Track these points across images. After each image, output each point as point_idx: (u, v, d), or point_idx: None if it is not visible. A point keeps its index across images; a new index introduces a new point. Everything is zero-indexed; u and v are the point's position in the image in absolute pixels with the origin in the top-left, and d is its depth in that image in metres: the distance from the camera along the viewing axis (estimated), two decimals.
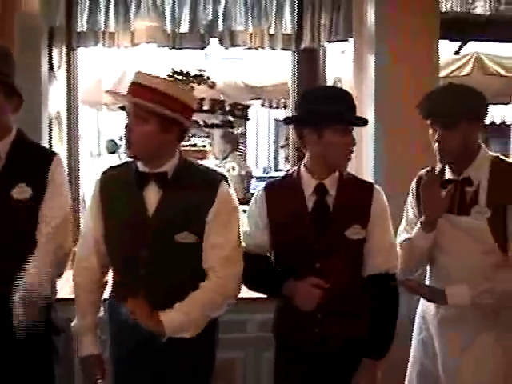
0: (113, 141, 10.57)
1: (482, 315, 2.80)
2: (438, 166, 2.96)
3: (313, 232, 2.72)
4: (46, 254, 2.74)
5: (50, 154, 2.89)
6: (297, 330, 2.78)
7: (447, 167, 2.91)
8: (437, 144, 2.82)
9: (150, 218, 2.62)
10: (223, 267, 2.64)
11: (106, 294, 2.87)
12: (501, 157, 2.92)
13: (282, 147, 10.05)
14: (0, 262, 2.67)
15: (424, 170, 3.02)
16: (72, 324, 2.80)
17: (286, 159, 9.15)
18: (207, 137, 4.56)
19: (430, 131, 2.85)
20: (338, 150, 2.71)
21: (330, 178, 2.76)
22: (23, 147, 2.83)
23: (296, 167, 2.89)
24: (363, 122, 2.80)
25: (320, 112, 2.67)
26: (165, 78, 2.83)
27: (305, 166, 2.80)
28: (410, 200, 3.05)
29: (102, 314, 2.85)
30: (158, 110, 2.54)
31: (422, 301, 3.03)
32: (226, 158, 7.16)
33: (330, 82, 5.41)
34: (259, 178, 8.87)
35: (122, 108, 2.84)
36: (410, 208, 3.04)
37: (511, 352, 2.83)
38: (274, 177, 3.81)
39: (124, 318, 2.60)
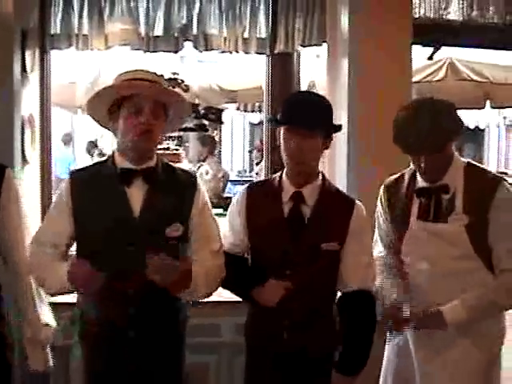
0: (93, 142, 10.55)
1: None
2: (408, 173, 2.98)
3: (286, 239, 2.73)
4: None
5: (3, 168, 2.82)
6: (266, 335, 2.80)
7: (419, 175, 2.90)
8: (422, 165, 2.80)
9: (136, 214, 2.64)
10: (214, 259, 2.72)
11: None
12: (472, 162, 2.94)
13: (249, 152, 10.08)
14: None
15: (392, 177, 3.04)
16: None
17: (257, 164, 9.19)
18: (180, 140, 4.55)
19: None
20: (284, 155, 2.73)
21: (309, 187, 2.76)
22: None
23: (280, 172, 2.88)
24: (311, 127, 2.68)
25: (278, 116, 2.73)
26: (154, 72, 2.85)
27: (286, 171, 2.81)
28: (379, 208, 3.06)
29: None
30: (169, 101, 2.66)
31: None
32: (202, 161, 7.16)
33: (304, 86, 5.43)
34: (234, 182, 8.88)
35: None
36: (380, 216, 3.05)
37: (487, 355, 2.85)
38: (247, 180, 3.82)
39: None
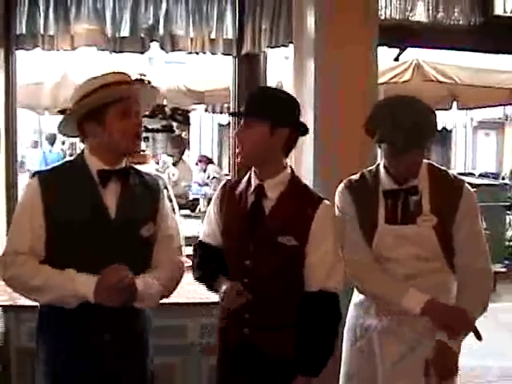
0: (54, 134, 10.60)
1: (421, 324, 2.83)
2: (368, 174, 2.99)
3: (246, 231, 2.74)
4: None
5: None
6: (229, 330, 2.81)
7: (386, 176, 2.90)
8: (402, 164, 2.82)
9: (112, 214, 2.64)
10: (176, 257, 2.81)
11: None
12: (433, 163, 2.97)
13: (196, 164, 10.22)
14: None
15: (352, 178, 3.04)
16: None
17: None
18: (147, 141, 4.54)
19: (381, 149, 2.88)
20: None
21: (272, 181, 2.75)
22: None
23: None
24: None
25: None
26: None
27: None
28: (346, 210, 2.99)
29: None
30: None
31: (355, 313, 3.06)
32: (174, 164, 7.16)
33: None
34: (201, 184, 8.87)
35: (62, 112, 2.83)
36: (349, 219, 2.99)
37: None
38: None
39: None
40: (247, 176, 2.86)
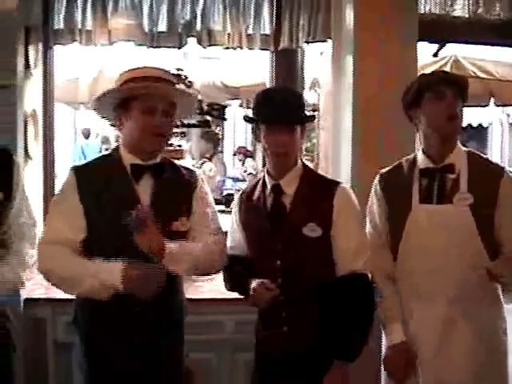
0: (88, 129, 10.73)
1: (461, 311, 2.80)
2: (406, 160, 2.96)
3: (271, 231, 2.78)
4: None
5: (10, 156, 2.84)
6: (268, 328, 2.82)
7: (423, 156, 2.90)
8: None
9: None
10: (211, 237, 2.80)
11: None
12: (473, 150, 2.97)
13: (233, 155, 10.17)
14: None
15: (387, 168, 3.02)
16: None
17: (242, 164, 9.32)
18: (183, 136, 4.54)
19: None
20: (267, 150, 2.80)
21: (287, 178, 2.81)
22: None
23: (263, 170, 2.99)
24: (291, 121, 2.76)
25: (254, 113, 2.81)
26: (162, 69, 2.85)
27: (266, 167, 2.90)
28: (373, 203, 3.02)
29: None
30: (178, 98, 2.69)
31: None
32: (208, 159, 7.17)
33: (307, 83, 5.41)
34: (236, 179, 8.88)
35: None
36: (374, 212, 3.01)
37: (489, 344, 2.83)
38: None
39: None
40: (260, 179, 2.92)
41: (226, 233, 2.95)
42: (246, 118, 2.90)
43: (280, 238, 2.76)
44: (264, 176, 2.90)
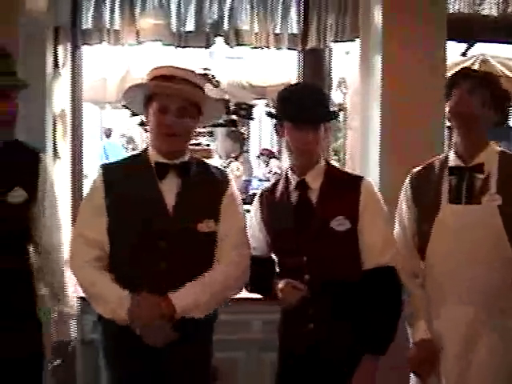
0: (131, 138, 10.78)
1: (486, 315, 2.76)
2: (438, 160, 2.94)
3: (297, 227, 2.77)
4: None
5: (38, 156, 2.86)
6: (294, 328, 2.80)
7: (454, 155, 2.88)
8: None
9: (170, 209, 2.65)
10: (233, 254, 2.71)
11: None
12: (506, 150, 2.93)
13: (257, 157, 10.18)
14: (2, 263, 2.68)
15: (419, 167, 3.00)
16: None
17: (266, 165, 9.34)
18: (211, 135, 4.55)
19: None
20: (292, 147, 2.79)
21: (311, 174, 2.80)
22: (12, 147, 2.80)
23: (285, 169, 2.97)
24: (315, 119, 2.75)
25: (278, 111, 2.81)
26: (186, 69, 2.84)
27: (289, 164, 2.88)
28: (403, 201, 2.99)
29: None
30: (199, 99, 2.66)
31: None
32: (235, 158, 7.17)
33: (334, 83, 5.40)
34: (261, 179, 8.87)
35: (126, 106, 2.86)
36: (404, 211, 2.98)
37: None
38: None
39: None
40: (281, 177, 2.92)
41: None
42: (270, 115, 2.90)
43: (307, 233, 2.75)
44: (287, 173, 2.89)
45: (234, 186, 2.86)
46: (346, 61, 5.46)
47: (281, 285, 2.72)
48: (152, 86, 2.67)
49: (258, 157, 9.89)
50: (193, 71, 2.87)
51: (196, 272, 2.64)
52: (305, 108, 2.70)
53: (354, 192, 2.77)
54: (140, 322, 2.54)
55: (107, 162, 2.99)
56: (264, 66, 7.38)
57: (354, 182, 2.82)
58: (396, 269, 2.75)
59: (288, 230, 2.79)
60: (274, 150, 9.93)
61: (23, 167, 2.76)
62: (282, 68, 6.65)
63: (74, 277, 2.78)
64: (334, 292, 2.71)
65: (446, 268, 2.82)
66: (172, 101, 2.62)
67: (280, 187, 2.88)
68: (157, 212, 2.64)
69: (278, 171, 8.76)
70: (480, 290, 2.76)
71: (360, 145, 4.29)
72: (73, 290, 2.96)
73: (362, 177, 2.89)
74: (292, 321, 2.82)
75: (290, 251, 2.79)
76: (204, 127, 3.98)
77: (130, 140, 10.89)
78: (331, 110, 2.91)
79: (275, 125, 2.88)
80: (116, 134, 11.86)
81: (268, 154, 9.64)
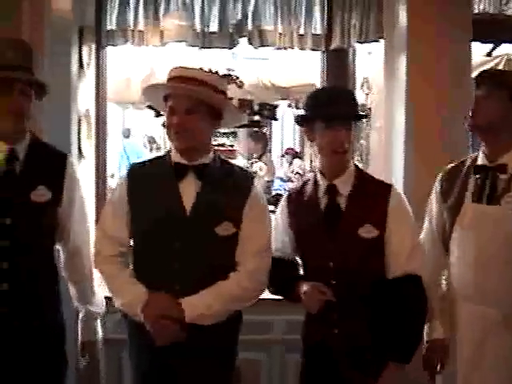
0: (152, 138, 10.84)
1: (500, 316, 2.76)
2: (470, 159, 2.93)
3: (325, 232, 2.77)
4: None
5: (64, 156, 2.90)
6: (317, 332, 2.80)
7: (482, 154, 2.87)
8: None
9: (188, 210, 2.64)
10: (254, 260, 2.69)
11: None
12: None
13: (282, 156, 10.19)
14: (25, 265, 2.71)
15: (450, 165, 2.99)
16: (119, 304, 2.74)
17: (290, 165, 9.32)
18: (235, 136, 4.54)
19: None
20: (323, 149, 2.79)
21: (341, 179, 2.80)
22: (39, 148, 2.84)
23: (314, 171, 2.98)
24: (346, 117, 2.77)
25: (309, 112, 2.80)
26: (203, 70, 2.84)
27: (319, 167, 2.88)
28: (432, 200, 3.01)
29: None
30: (212, 100, 2.63)
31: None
32: (258, 158, 7.18)
33: (358, 83, 5.38)
34: (284, 179, 8.85)
35: (150, 107, 2.87)
36: (432, 209, 3.00)
37: None
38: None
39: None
40: (309, 179, 2.92)
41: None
42: (300, 118, 2.89)
43: (335, 238, 2.75)
44: (315, 176, 2.88)
45: (259, 189, 2.85)
46: (368, 61, 5.44)
47: (305, 287, 2.71)
48: (163, 87, 2.70)
49: (283, 156, 9.90)
50: (207, 71, 2.87)
51: (212, 274, 2.64)
52: (337, 107, 2.71)
53: (383, 200, 2.77)
54: (148, 320, 2.57)
55: (135, 162, 3.00)
56: (287, 67, 7.37)
57: (384, 190, 2.81)
58: (422, 278, 2.74)
59: (315, 234, 2.79)
60: (297, 150, 9.93)
61: (49, 167, 2.80)
62: (304, 68, 6.63)
63: (98, 272, 2.84)
64: (359, 298, 2.71)
65: (461, 268, 2.85)
66: (180, 101, 2.63)
67: (308, 190, 2.88)
68: (173, 212, 2.65)
69: (300, 172, 8.77)
70: (491, 290, 2.76)
71: (384, 145, 4.27)
72: (99, 290, 2.99)
73: (391, 185, 2.87)
74: (316, 325, 2.81)
75: (317, 255, 2.78)
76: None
77: (151, 140, 10.94)
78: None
79: (305, 128, 2.87)
80: (136, 134, 11.89)
81: (292, 154, 9.65)
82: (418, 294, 2.74)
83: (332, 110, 2.71)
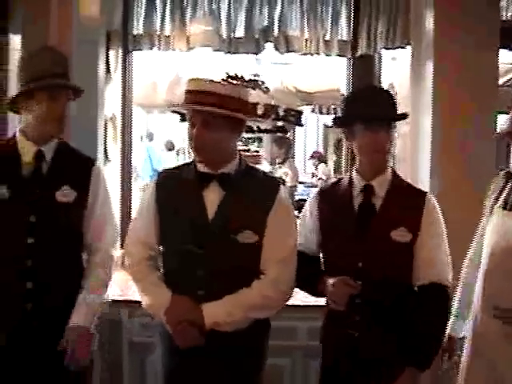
0: (171, 142, 10.90)
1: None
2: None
3: (357, 231, 2.75)
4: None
5: (91, 160, 2.97)
6: (337, 334, 2.78)
7: None
8: None
9: (210, 217, 2.65)
10: (277, 269, 2.68)
11: None
12: None
13: (309, 159, 10.20)
14: (49, 263, 2.74)
15: (503, 172, 2.96)
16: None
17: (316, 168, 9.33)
18: (260, 141, 4.54)
19: None
20: (363, 149, 2.77)
21: (378, 180, 2.79)
22: (66, 151, 2.90)
23: (350, 171, 2.95)
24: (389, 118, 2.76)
25: (348, 113, 2.79)
26: (218, 81, 2.83)
27: (356, 168, 2.86)
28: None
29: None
30: (228, 114, 2.60)
31: (478, 316, 2.93)
32: (281, 163, 7.18)
33: None
34: (307, 184, 8.85)
35: (176, 112, 2.87)
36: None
37: None
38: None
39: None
40: (346, 179, 2.88)
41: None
42: (338, 120, 2.88)
43: (366, 238, 2.73)
44: (351, 175, 2.86)
45: (285, 195, 2.81)
46: (392, 67, 5.43)
47: (333, 279, 2.68)
48: (180, 107, 2.79)
49: (310, 159, 9.90)
50: (225, 81, 2.85)
51: (236, 281, 2.64)
52: (377, 107, 2.71)
53: (418, 206, 2.75)
54: (170, 323, 2.60)
55: (164, 168, 3.03)
56: (310, 72, 7.36)
57: (419, 196, 2.80)
58: (449, 288, 2.73)
59: (346, 232, 2.77)
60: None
61: (75, 169, 2.86)
62: (328, 74, 6.62)
63: (128, 274, 2.86)
64: (384, 300, 2.69)
65: (480, 273, 2.84)
66: (196, 115, 2.63)
67: (342, 188, 2.86)
68: (197, 220, 2.66)
69: (324, 177, 8.76)
70: (505, 301, 2.73)
71: (410, 151, 4.25)
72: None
73: (427, 192, 2.86)
74: (337, 325, 2.78)
75: (346, 254, 2.74)
76: (253, 132, 3.96)
77: (169, 144, 10.99)
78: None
79: (343, 129, 2.86)
80: (157, 137, 11.95)
81: (319, 157, 9.66)
82: (445, 304, 2.74)
83: (371, 110, 2.69)
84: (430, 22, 3.99)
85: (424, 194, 2.83)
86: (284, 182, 2.90)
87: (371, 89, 3.20)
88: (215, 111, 2.57)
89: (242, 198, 2.67)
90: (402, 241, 2.70)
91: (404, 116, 2.87)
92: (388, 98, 2.79)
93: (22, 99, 2.77)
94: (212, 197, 2.68)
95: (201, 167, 2.71)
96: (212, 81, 2.69)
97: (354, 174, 2.84)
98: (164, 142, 11.19)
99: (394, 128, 2.79)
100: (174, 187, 2.75)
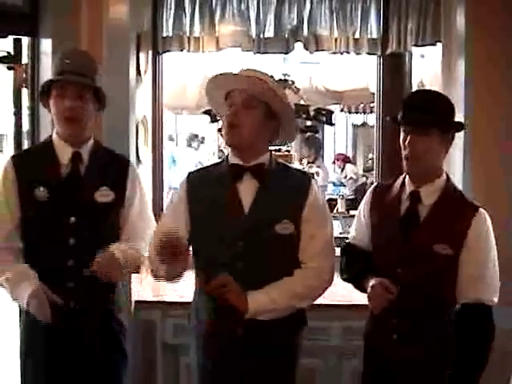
0: (195, 134, 10.95)
1: None
2: None
3: (399, 237, 2.69)
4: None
5: (126, 160, 3.03)
6: (376, 336, 2.77)
7: None
8: None
9: (246, 210, 2.66)
10: (318, 259, 2.70)
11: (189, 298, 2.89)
12: None
13: (333, 163, 10.20)
14: (90, 261, 2.72)
15: None
16: None
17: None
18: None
19: None
20: (402, 154, 2.70)
21: (428, 187, 2.71)
22: (102, 151, 2.96)
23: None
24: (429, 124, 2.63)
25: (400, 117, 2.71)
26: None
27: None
28: None
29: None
30: (271, 99, 2.63)
31: None
32: (312, 162, 7.17)
33: (414, 87, 5.33)
34: (336, 184, 8.82)
35: (206, 112, 2.87)
36: None
37: None
38: None
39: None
40: (400, 180, 2.82)
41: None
42: (393, 120, 2.81)
43: (408, 246, 2.67)
44: (405, 178, 2.80)
45: (317, 189, 2.82)
46: (422, 64, 5.39)
47: (373, 281, 2.65)
48: (225, 76, 2.72)
49: (334, 162, 9.88)
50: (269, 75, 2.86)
51: (274, 273, 2.65)
52: (413, 112, 2.63)
53: (467, 220, 2.64)
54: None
55: (194, 169, 3.05)
56: (339, 71, 7.34)
57: (469, 210, 2.67)
58: (492, 309, 2.65)
59: (390, 236, 2.73)
60: (350, 154, 9.92)
61: (112, 170, 2.91)
62: (357, 72, 6.61)
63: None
64: (420, 309, 2.65)
65: None
66: (238, 94, 2.64)
67: (395, 190, 2.80)
68: (233, 213, 2.66)
69: (354, 176, 8.73)
70: None
71: None
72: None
73: (479, 207, 2.70)
74: (377, 330, 2.78)
75: (387, 257, 2.71)
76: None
77: (193, 137, 11.01)
78: (453, 119, 2.71)
79: (399, 131, 2.79)
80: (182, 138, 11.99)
81: (343, 159, 9.62)
82: (489, 324, 2.65)
83: (407, 113, 2.64)
84: (460, 20, 3.97)
85: (475, 208, 2.69)
86: (311, 179, 2.89)
87: (425, 93, 3.04)
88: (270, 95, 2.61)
89: (276, 189, 2.69)
90: (443, 253, 2.62)
91: (453, 126, 2.71)
92: (435, 104, 2.65)
93: (44, 98, 2.84)
94: (246, 188, 2.68)
95: (233, 159, 2.72)
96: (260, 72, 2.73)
97: (407, 176, 2.79)
98: (188, 136, 11.21)
99: (443, 135, 2.65)
100: (205, 183, 2.76)
